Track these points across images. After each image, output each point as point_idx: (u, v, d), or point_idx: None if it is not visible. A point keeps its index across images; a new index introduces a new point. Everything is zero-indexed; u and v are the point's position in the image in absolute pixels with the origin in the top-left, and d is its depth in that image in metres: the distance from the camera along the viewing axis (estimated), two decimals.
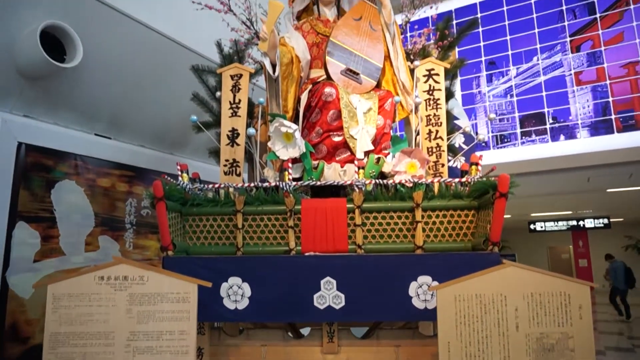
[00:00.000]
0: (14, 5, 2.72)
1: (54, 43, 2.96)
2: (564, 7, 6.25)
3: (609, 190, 7.87)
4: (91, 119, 3.42)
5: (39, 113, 3.10)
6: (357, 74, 2.32)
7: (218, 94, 2.46)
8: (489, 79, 6.69)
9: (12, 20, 2.73)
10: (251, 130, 2.15)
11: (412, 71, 2.41)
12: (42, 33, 2.79)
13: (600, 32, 6.03)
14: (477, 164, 2.04)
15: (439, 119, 2.26)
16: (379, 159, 2.17)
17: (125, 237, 3.56)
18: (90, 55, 3.06)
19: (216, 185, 2.07)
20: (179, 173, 2.10)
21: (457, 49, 3.25)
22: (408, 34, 3.14)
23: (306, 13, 2.72)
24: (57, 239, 3.07)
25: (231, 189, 2.08)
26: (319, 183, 2.03)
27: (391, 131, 2.34)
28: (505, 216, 1.83)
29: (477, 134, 2.55)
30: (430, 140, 2.25)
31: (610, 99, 5.91)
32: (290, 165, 2.03)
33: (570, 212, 13.11)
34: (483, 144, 2.67)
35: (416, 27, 2.89)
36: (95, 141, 3.44)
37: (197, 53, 3.66)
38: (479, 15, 6.68)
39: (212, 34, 2.80)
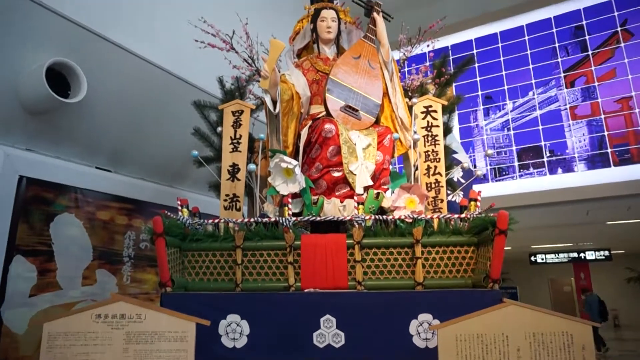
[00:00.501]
0: (21, 42, 2.80)
1: (59, 79, 3.03)
2: (556, 45, 6.43)
3: (608, 222, 7.86)
4: (93, 152, 3.45)
5: (41, 147, 3.14)
6: (357, 110, 2.36)
7: (219, 129, 2.50)
8: (486, 113, 6.80)
9: (17, 58, 2.80)
10: (252, 166, 2.18)
11: (410, 108, 2.46)
12: (48, 69, 2.86)
13: (593, 68, 6.19)
14: (476, 200, 2.06)
15: (437, 155, 2.29)
16: (378, 194, 2.19)
17: (123, 271, 3.53)
18: (94, 90, 3.12)
19: (216, 220, 2.08)
20: (179, 208, 2.11)
21: (454, 84, 3.33)
22: (406, 69, 3.22)
23: (306, 51, 2.80)
24: (54, 272, 3.04)
25: (231, 224, 2.08)
26: (318, 218, 2.04)
27: (390, 167, 2.37)
28: (505, 248, 1.83)
29: (475, 167, 2.58)
30: (429, 176, 2.27)
31: (606, 133, 6.01)
32: (290, 200, 2.04)
33: (571, 244, 13.03)
34: (482, 177, 2.69)
35: (414, 64, 2.97)
36: (95, 174, 3.46)
37: (199, 88, 3.74)
38: (474, 51, 6.86)
39: (214, 70, 2.87)
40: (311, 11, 2.70)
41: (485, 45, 6.85)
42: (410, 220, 1.98)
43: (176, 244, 1.98)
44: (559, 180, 6.21)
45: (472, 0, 6.72)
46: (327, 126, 2.21)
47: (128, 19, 3.26)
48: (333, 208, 2.18)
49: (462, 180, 2.76)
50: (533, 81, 6.52)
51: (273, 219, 2.02)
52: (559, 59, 6.39)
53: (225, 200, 2.25)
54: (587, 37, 6.26)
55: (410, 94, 2.76)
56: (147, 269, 3.72)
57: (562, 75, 6.36)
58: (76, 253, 3.21)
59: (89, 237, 3.31)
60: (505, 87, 6.68)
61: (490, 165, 6.56)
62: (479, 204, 2.08)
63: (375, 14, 2.57)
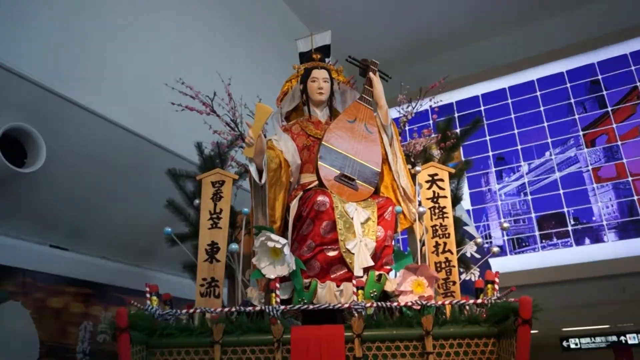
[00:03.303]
0: None
1: (15, 146, 3.08)
2: (572, 100, 6.72)
3: None
4: (47, 228, 3.44)
5: None
6: (353, 179, 2.41)
7: (196, 201, 2.52)
8: (499, 176, 6.93)
9: None
10: (233, 246, 2.18)
11: (413, 176, 2.52)
12: (2, 135, 2.92)
13: (614, 125, 6.43)
14: (493, 282, 2.06)
15: (446, 229, 2.32)
16: (380, 276, 2.18)
17: None
18: (54, 158, 3.17)
19: (190, 310, 2.04)
20: (147, 296, 2.07)
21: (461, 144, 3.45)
22: (407, 131, 3.34)
23: (296, 113, 2.90)
24: None
25: (208, 315, 2.05)
26: (311, 306, 2.01)
27: (393, 244, 2.38)
28: (531, 331, 1.80)
29: (489, 239, 2.61)
30: (437, 254, 2.28)
31: (635, 197, 6.11)
32: (277, 285, 2.02)
33: (608, 326, 12.75)
34: (500, 250, 2.70)
35: (415, 128, 3.08)
36: (49, 254, 3.42)
37: (175, 154, 3.82)
38: (482, 108, 7.12)
39: (192, 134, 2.95)
40: (301, 70, 2.83)
41: (493, 102, 7.13)
42: (419, 307, 1.96)
43: (143, 341, 1.92)
44: (588, 252, 6.21)
45: (476, 53, 7.09)
46: (320, 198, 2.24)
47: (96, 79, 3.39)
48: (328, 293, 2.16)
49: (477, 256, 2.77)
50: (549, 140, 6.71)
51: (258, 308, 1.99)
52: (576, 116, 6.63)
53: (202, 285, 2.23)
54: (604, 92, 6.56)
55: (413, 159, 2.84)
56: None
57: (581, 133, 6.58)
58: (19, 350, 3.09)
59: (37, 329, 3.20)
60: (519, 147, 6.86)
61: (508, 235, 6.58)
62: (497, 286, 2.07)
63: (371, 74, 2.70)
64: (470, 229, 3.26)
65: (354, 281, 2.05)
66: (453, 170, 2.54)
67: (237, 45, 5.02)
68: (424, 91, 3.25)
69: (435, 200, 2.39)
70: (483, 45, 7.07)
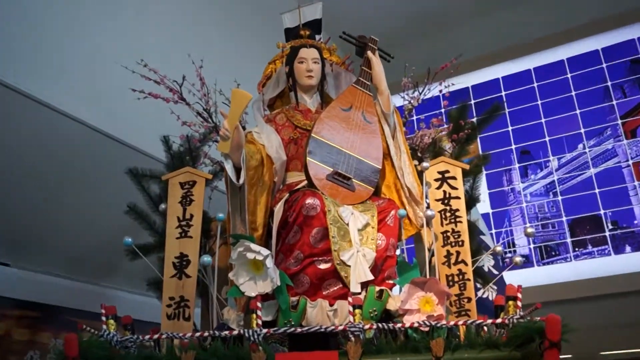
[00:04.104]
0: None
1: None
2: (609, 83, 6.74)
3: None
4: None
5: None
6: (348, 178, 2.42)
7: (162, 206, 2.52)
8: (523, 173, 6.95)
9: None
10: (206, 259, 2.17)
11: (420, 173, 2.53)
12: None
13: None
14: (515, 299, 2.07)
15: (459, 236, 2.32)
16: (381, 292, 2.18)
17: None
18: None
19: (156, 335, 2.04)
20: (104, 319, 2.07)
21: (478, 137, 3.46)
22: (413, 116, 3.35)
23: (281, 101, 2.91)
24: None
25: (177, 340, 2.04)
26: (299, 329, 2.01)
27: (397, 254, 2.38)
28: (564, 356, 1.81)
29: (513, 248, 2.62)
30: (449, 266, 2.29)
31: None
32: (259, 304, 2.02)
33: None
34: (524, 260, 2.72)
35: (423, 117, 3.09)
36: None
37: (135, 149, 3.81)
38: (503, 93, 7.14)
39: (156, 125, 2.95)
40: (286, 50, 2.84)
41: (516, 86, 7.15)
42: (427, 329, 1.96)
43: None
44: (629, 262, 6.24)
45: (496, 28, 7.08)
46: (309, 201, 2.24)
47: (41, 63, 3.36)
48: (319, 314, 2.16)
49: (495, 271, 2.78)
50: (582, 130, 6.74)
51: (236, 332, 1.99)
52: (614, 102, 6.67)
53: (170, 305, 2.22)
54: None
55: (420, 154, 2.85)
56: None
57: (620, 122, 6.61)
58: None
59: None
60: (547, 139, 6.88)
61: (534, 242, 6.61)
62: (520, 303, 2.08)
63: (369, 53, 2.71)
64: (487, 239, 3.27)
65: (350, 299, 2.04)
66: (468, 167, 2.54)
67: (209, 19, 5.00)
68: (433, 73, 3.26)
69: (446, 201, 2.40)
70: (504, 18, 7.04)
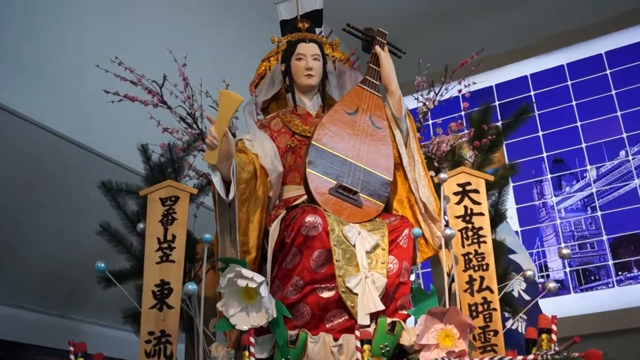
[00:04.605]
0: None
1: None
2: None
3: None
4: None
5: None
6: (355, 192, 2.41)
7: (140, 226, 2.52)
8: (557, 185, 6.93)
9: None
10: (191, 287, 2.17)
11: (437, 186, 2.52)
12: None
13: None
14: (550, 331, 2.06)
15: (483, 259, 2.31)
16: (393, 324, 2.17)
17: None
18: None
19: None
20: (72, 358, 2.07)
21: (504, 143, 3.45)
22: (428, 121, 3.35)
23: (276, 103, 2.92)
24: None
25: None
26: None
27: (411, 279, 2.37)
28: None
29: (546, 277, 2.62)
30: (472, 293, 2.27)
31: None
32: (252, 339, 2.02)
33: None
34: (559, 286, 2.71)
35: (440, 122, 3.09)
36: None
37: (109, 159, 3.81)
38: (532, 92, 7.14)
39: (133, 132, 2.96)
40: (282, 45, 2.85)
41: (547, 84, 7.14)
42: None
43: None
44: None
45: (524, 18, 7.08)
46: (310, 219, 2.24)
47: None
48: (322, 350, 2.15)
49: (526, 297, 2.77)
50: (624, 135, 6.73)
51: None
52: None
53: (149, 341, 2.21)
54: None
55: (437, 164, 2.84)
56: None
57: None
58: None
59: None
60: (583, 145, 6.87)
61: (570, 265, 6.58)
62: (554, 336, 2.08)
63: (377, 48, 2.71)
64: (520, 257, 3.26)
65: (357, 332, 2.04)
66: (492, 178, 2.54)
67: (194, 8, 5.02)
68: (451, 70, 3.26)
69: (468, 219, 2.39)
70: (532, 7, 7.04)
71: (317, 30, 2.92)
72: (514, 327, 2.57)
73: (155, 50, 3.43)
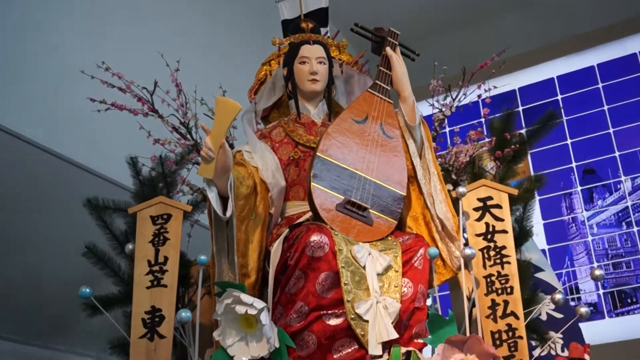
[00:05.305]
0: None
1: None
2: None
3: None
4: None
5: None
6: (365, 208, 2.40)
7: (129, 247, 2.52)
8: (588, 198, 6.92)
9: None
10: (184, 315, 2.16)
11: (455, 201, 2.52)
12: None
13: None
14: None
15: (507, 281, 2.30)
16: (408, 354, 2.16)
17: None
18: None
19: None
20: None
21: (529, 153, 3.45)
22: (445, 129, 3.34)
23: (278, 111, 2.93)
24: None
25: None
26: None
27: (428, 303, 2.36)
28: None
29: (577, 300, 2.61)
30: (495, 320, 2.26)
31: None
32: None
33: None
34: (591, 311, 2.69)
35: (457, 130, 3.08)
36: None
37: (95, 174, 3.82)
38: (559, 97, 7.13)
39: (122, 144, 2.96)
40: (284, 47, 2.85)
41: (575, 87, 7.14)
42: None
43: None
44: None
45: (548, 17, 7.09)
46: (315, 238, 2.23)
47: None
48: None
49: (557, 315, 2.75)
50: None
51: None
52: None
53: None
54: None
55: (455, 177, 2.84)
56: None
57: None
58: None
59: None
60: (617, 154, 6.87)
61: (604, 287, 6.55)
62: None
63: (388, 49, 2.71)
64: (547, 275, 3.24)
65: None
66: (517, 192, 2.54)
67: (188, 9, 5.05)
68: (470, 74, 3.26)
69: (489, 237, 2.39)
70: (559, 4, 7.06)
71: (323, 30, 2.93)
72: (542, 354, 2.55)
73: (145, 54, 3.45)
